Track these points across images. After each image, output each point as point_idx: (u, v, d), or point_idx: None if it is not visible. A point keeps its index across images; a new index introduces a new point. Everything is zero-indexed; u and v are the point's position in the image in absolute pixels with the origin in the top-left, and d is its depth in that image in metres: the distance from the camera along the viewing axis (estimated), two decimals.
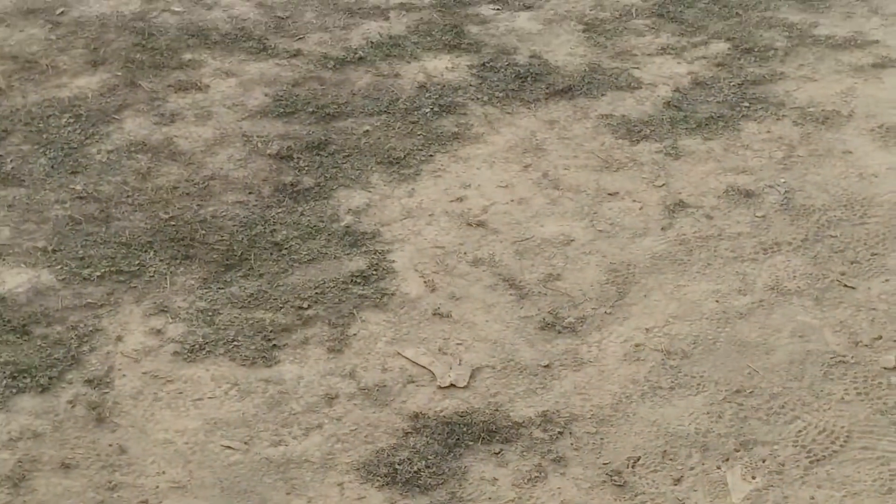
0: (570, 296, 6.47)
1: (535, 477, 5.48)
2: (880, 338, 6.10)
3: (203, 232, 6.90)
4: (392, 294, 6.50)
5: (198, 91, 8.16)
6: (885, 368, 5.92)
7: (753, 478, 5.45)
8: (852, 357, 6.00)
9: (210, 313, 6.35)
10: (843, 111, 7.76)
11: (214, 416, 5.79)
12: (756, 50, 8.41)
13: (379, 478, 5.48)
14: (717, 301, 6.38)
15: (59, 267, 6.66)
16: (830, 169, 7.27)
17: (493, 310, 6.40)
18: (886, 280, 6.45)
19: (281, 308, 6.39)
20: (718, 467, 5.51)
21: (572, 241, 6.83)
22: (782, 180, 7.19)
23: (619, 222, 6.95)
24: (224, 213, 7.04)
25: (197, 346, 6.16)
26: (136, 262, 6.69)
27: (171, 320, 6.33)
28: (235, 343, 6.17)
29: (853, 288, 6.42)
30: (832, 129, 7.60)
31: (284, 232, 6.91)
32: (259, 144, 7.63)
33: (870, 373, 5.91)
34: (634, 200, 7.11)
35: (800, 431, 5.62)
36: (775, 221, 6.90)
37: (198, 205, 7.12)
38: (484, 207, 7.09)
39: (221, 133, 7.75)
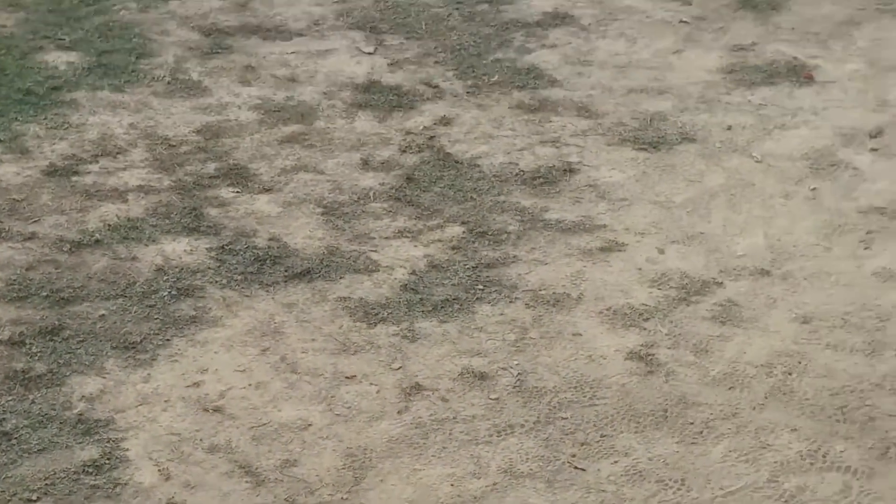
0: (307, 482, 6.46)
1: None
2: None
3: None
4: (125, 484, 6.38)
5: None
6: None
7: None
8: None
9: None
10: (572, 294, 8.00)
11: None
12: (490, 233, 8.63)
13: None
14: (452, 485, 6.45)
15: None
16: (561, 351, 7.47)
17: (229, 498, 6.34)
18: (615, 462, 6.62)
19: (8, 501, 6.20)
20: None
21: (310, 425, 6.84)
22: (515, 362, 7.36)
23: (356, 406, 7.00)
24: None
25: None
26: None
27: None
28: None
29: (583, 470, 6.57)
30: (562, 311, 7.82)
31: (14, 421, 6.74)
32: None
33: None
34: (371, 384, 7.18)
35: None
36: (509, 403, 7.04)
37: None
38: (221, 392, 7.06)
39: None
